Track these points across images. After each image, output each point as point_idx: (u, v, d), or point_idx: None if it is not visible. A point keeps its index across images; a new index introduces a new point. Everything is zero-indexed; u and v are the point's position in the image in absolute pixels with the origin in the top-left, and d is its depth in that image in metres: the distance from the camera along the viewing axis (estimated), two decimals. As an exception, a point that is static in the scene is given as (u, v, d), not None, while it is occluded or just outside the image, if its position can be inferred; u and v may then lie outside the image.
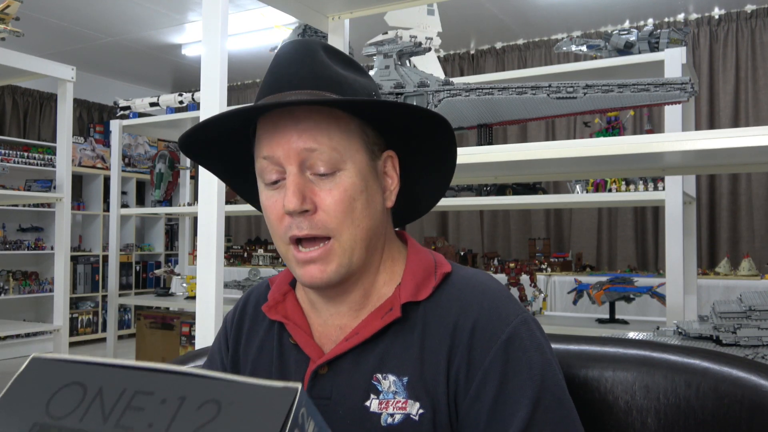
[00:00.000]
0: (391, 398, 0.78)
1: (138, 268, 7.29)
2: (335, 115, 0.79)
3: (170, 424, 0.42)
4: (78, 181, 6.92)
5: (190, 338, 4.23)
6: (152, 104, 4.23)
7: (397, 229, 0.93)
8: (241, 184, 0.95)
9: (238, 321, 0.95)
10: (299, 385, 0.42)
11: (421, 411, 0.76)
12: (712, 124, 5.38)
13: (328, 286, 0.81)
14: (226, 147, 0.89)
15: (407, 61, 1.74)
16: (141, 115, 4.51)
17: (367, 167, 0.81)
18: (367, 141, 0.82)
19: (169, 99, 4.18)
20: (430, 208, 0.96)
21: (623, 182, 3.38)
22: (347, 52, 2.05)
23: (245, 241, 6.60)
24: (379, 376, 0.79)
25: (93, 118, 7.52)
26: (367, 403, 0.78)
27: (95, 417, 0.44)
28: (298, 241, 0.79)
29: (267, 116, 0.80)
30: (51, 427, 0.45)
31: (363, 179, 0.80)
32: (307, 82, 0.80)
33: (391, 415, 0.77)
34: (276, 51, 0.87)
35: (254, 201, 0.96)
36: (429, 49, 2.32)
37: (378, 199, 0.83)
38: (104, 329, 6.63)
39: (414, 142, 0.88)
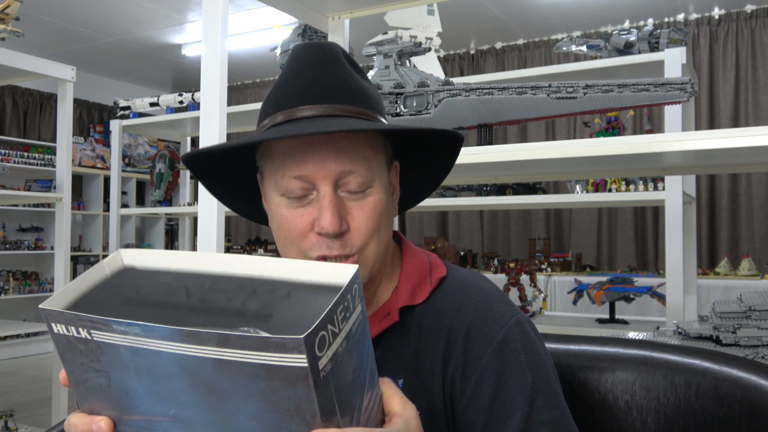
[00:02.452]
0: None
1: (138, 268, 7.28)
2: (366, 134, 0.78)
3: (247, 298, 0.49)
4: (78, 181, 6.92)
5: (190, 338, 4.22)
6: (152, 104, 4.23)
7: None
8: (234, 197, 0.92)
9: None
10: (357, 267, 0.50)
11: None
12: (712, 124, 5.38)
13: None
14: (228, 159, 0.86)
15: (407, 61, 1.74)
16: (141, 115, 4.51)
17: (387, 181, 0.82)
18: (387, 155, 0.82)
19: (169, 99, 4.18)
20: (414, 205, 0.96)
21: (623, 182, 3.38)
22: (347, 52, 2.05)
23: (245, 241, 6.60)
24: None
25: (93, 118, 7.52)
26: None
27: (179, 296, 0.50)
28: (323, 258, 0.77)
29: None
30: (138, 302, 0.50)
31: (387, 195, 0.80)
32: (338, 95, 0.78)
33: None
34: (277, 51, 0.85)
35: (250, 212, 0.93)
36: (429, 49, 2.32)
37: (393, 212, 0.84)
38: (104, 329, 6.63)
39: (420, 152, 0.88)
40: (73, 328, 0.48)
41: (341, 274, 0.49)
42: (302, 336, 0.41)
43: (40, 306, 0.48)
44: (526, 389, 0.74)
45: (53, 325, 0.49)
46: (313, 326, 0.42)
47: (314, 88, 0.78)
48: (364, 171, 0.76)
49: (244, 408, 0.45)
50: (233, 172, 0.88)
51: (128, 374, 0.48)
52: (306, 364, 0.42)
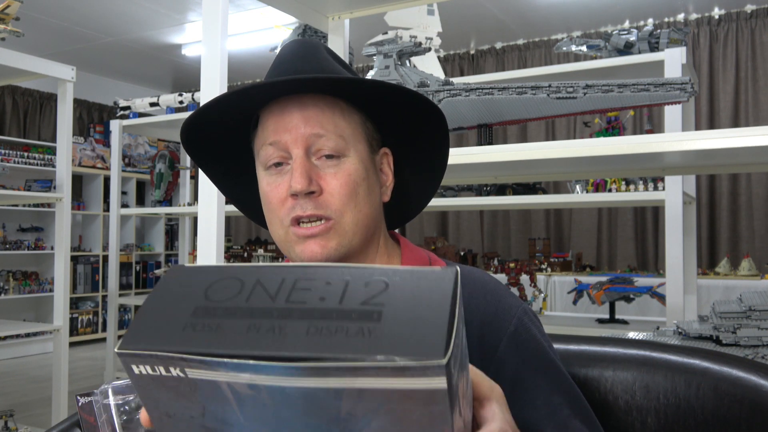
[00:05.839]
0: None
1: (138, 268, 7.29)
2: (339, 106, 0.82)
3: (342, 296, 0.42)
4: (78, 181, 6.92)
5: (190, 338, 4.22)
6: (152, 104, 4.23)
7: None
8: (233, 186, 0.95)
9: None
10: (457, 267, 0.45)
11: None
12: (712, 124, 5.38)
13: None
14: (225, 145, 0.90)
15: (407, 61, 1.74)
16: (141, 115, 4.51)
17: (367, 158, 0.84)
18: (367, 133, 0.85)
19: (169, 99, 4.18)
20: (421, 209, 0.97)
21: (623, 182, 3.38)
22: (347, 52, 2.05)
23: (245, 241, 6.60)
24: None
25: (93, 118, 7.52)
26: None
27: (261, 298, 0.43)
28: (298, 222, 0.80)
29: (273, 105, 0.81)
30: (216, 309, 0.43)
31: (365, 168, 0.83)
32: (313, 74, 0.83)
33: None
34: (277, 51, 0.87)
35: (244, 205, 0.97)
36: (429, 49, 2.32)
37: (377, 190, 0.86)
38: (104, 329, 6.63)
39: (407, 139, 0.89)
40: (161, 368, 0.42)
41: (445, 275, 0.44)
42: (444, 361, 0.38)
43: (116, 350, 0.42)
44: (544, 375, 0.77)
45: (134, 367, 0.42)
46: (450, 347, 0.39)
47: (291, 71, 0.83)
48: (334, 137, 0.80)
49: (371, 427, 0.41)
50: (237, 166, 0.92)
51: (228, 405, 0.42)
52: (445, 386, 0.39)
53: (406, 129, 0.88)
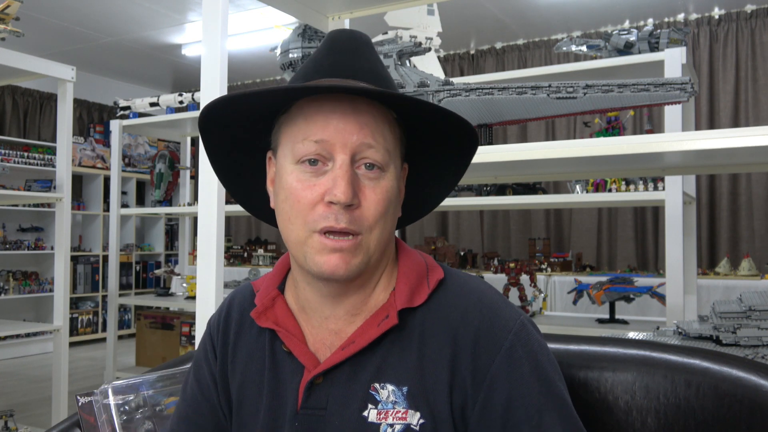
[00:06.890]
0: (390, 408, 0.76)
1: (138, 268, 7.29)
2: (389, 118, 0.79)
3: None
4: (78, 181, 6.92)
5: (190, 338, 4.23)
6: (152, 104, 4.23)
7: None
8: (234, 178, 0.92)
9: (224, 327, 0.91)
10: None
11: (421, 421, 0.75)
12: (712, 124, 5.38)
13: (347, 280, 0.79)
14: (242, 130, 0.86)
15: (407, 61, 1.74)
16: (141, 115, 4.51)
17: (399, 174, 0.82)
18: (401, 149, 0.83)
19: (169, 99, 4.18)
20: (424, 216, 0.96)
21: (623, 182, 3.38)
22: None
23: (245, 241, 6.60)
24: (377, 385, 0.77)
25: (93, 118, 7.52)
26: (365, 413, 0.77)
27: None
28: (326, 232, 0.76)
29: (322, 98, 0.77)
30: None
31: (397, 185, 0.81)
32: (371, 76, 0.80)
33: (391, 425, 0.76)
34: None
35: (245, 198, 0.93)
36: (429, 49, 2.32)
37: (399, 206, 0.84)
38: (104, 329, 6.63)
39: (431, 155, 0.88)
40: None
41: None
42: None
43: None
44: (539, 393, 0.75)
45: None
46: None
47: (346, 66, 0.80)
48: (383, 149, 0.77)
49: None
50: (243, 153, 0.89)
51: None
52: None
53: (435, 147, 0.86)
